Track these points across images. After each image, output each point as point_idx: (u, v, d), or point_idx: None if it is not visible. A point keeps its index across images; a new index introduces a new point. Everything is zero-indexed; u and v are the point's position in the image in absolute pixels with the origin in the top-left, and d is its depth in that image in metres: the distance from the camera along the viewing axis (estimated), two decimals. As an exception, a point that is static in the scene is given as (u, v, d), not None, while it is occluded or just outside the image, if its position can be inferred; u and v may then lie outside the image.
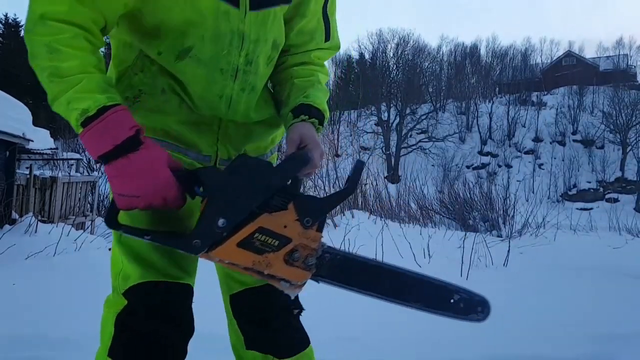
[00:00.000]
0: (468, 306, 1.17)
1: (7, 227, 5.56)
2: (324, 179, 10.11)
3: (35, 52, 1.01)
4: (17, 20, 39.96)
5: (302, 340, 1.29)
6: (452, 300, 1.17)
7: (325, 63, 1.39)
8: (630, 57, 49.22)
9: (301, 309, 1.31)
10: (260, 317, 1.26)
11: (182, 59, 1.15)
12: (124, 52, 1.22)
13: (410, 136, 41.43)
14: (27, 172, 6.50)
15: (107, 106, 0.99)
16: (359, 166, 1.11)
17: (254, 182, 1.04)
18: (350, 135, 39.23)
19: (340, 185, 9.50)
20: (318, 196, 1.10)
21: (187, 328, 1.20)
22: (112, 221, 1.06)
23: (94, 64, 1.02)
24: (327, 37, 1.31)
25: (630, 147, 38.10)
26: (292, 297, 1.14)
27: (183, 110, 1.19)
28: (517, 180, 33.38)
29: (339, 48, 1.38)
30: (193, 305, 1.24)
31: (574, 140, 41.15)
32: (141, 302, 1.13)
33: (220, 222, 1.02)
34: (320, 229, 1.08)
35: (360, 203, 9.54)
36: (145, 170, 0.99)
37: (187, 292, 1.20)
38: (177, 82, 1.18)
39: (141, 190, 1.00)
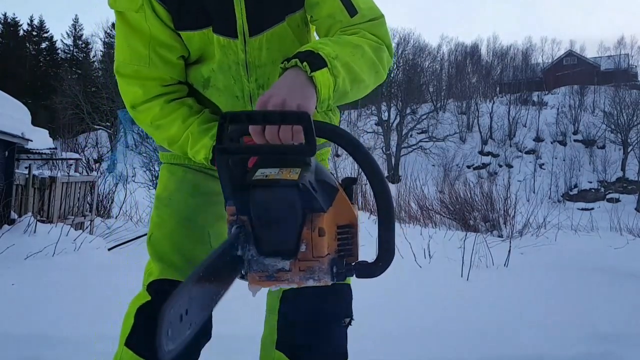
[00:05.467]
0: None
1: (6, 227, 5.55)
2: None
3: (147, 130, 1.23)
4: (17, 19, 40.00)
5: (336, 357, 1.24)
6: None
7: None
8: (632, 56, 49.25)
9: (351, 318, 1.26)
10: (305, 319, 1.22)
11: (207, 88, 1.23)
12: None
13: (411, 136, 41.41)
14: (26, 172, 6.49)
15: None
16: (222, 118, 0.85)
17: None
18: (351, 135, 39.15)
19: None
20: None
21: (201, 330, 1.20)
22: None
23: (188, 114, 1.18)
24: (352, 12, 1.15)
25: (631, 147, 38.07)
26: (253, 295, 0.93)
27: None
28: (518, 180, 33.36)
29: (378, 17, 1.17)
30: None
31: (575, 140, 41.14)
32: (159, 296, 1.20)
33: None
34: (241, 209, 0.85)
35: (360, 203, 9.53)
36: None
37: None
38: (211, 104, 1.26)
39: None
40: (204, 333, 1.24)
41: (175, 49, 1.18)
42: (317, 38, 1.29)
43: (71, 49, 42.59)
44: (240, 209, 0.85)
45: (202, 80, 1.22)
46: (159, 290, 1.20)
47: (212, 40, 1.16)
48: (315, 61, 0.95)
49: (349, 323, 1.26)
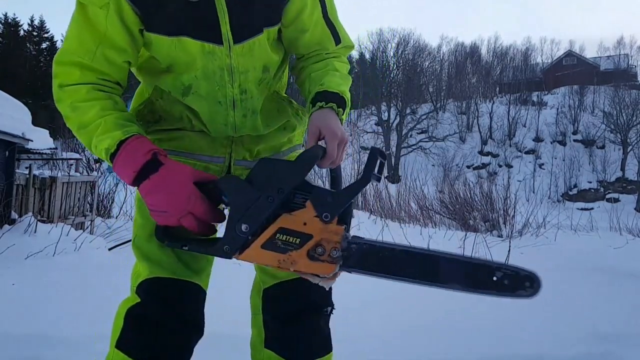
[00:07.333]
0: (514, 283, 1.08)
1: (6, 227, 5.54)
2: (324, 178, 10.10)
3: (66, 114, 1.16)
4: (17, 19, 40.00)
5: (322, 347, 1.29)
6: (494, 278, 1.08)
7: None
8: (631, 56, 49.27)
9: (332, 307, 1.32)
10: (289, 313, 1.28)
11: (187, 95, 1.24)
12: (144, 85, 1.34)
13: (411, 136, 41.43)
14: (26, 172, 6.48)
15: (124, 139, 1.10)
16: (373, 153, 1.11)
17: (270, 185, 1.08)
18: (351, 135, 39.20)
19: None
20: (336, 190, 1.14)
21: (194, 326, 1.24)
22: (158, 234, 1.18)
23: (110, 106, 1.15)
24: (337, 41, 1.33)
25: (631, 147, 38.09)
26: (327, 288, 1.16)
27: (196, 130, 1.30)
28: (518, 180, 33.34)
29: (352, 47, 1.39)
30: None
31: (575, 140, 41.16)
32: (149, 295, 1.20)
33: (244, 227, 1.08)
34: (343, 222, 1.10)
35: (360, 203, 9.53)
36: (165, 187, 1.08)
37: (195, 290, 1.25)
38: (190, 110, 1.27)
39: (165, 206, 1.08)
40: (196, 330, 1.25)
41: (125, 53, 1.17)
42: (283, 50, 1.34)
43: (71, 49, 42.52)
44: (343, 220, 1.10)
45: (182, 87, 1.24)
46: (149, 291, 1.21)
47: (186, 47, 1.17)
48: (342, 104, 1.21)
49: (331, 312, 1.32)
